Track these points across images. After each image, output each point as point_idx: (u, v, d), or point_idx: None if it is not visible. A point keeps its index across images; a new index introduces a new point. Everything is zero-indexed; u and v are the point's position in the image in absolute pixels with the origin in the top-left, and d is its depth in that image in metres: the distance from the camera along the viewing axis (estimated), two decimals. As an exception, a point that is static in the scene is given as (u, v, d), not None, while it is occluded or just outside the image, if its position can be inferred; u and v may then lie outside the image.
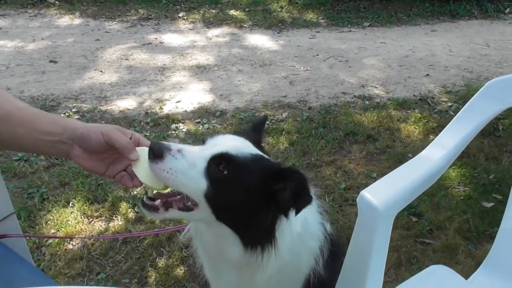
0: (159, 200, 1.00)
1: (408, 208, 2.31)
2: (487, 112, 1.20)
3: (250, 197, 1.02)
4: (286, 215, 1.03)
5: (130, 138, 0.98)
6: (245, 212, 1.03)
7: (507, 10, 6.14)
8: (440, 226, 2.23)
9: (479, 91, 1.21)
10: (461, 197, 2.44)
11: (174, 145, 0.98)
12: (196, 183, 0.98)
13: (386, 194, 1.01)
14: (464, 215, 2.29)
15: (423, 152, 1.18)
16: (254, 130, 1.20)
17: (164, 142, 0.98)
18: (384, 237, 1.03)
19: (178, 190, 1.00)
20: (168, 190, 1.03)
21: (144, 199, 1.02)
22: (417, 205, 2.37)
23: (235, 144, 1.04)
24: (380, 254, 1.03)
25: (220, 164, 0.99)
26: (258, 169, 1.02)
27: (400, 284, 1.16)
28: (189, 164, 0.97)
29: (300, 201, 0.99)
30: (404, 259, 2.04)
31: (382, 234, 1.02)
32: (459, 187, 2.54)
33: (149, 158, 0.95)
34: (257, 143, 1.14)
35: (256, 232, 1.04)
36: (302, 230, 1.14)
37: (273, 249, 1.05)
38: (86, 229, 2.25)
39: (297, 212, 1.00)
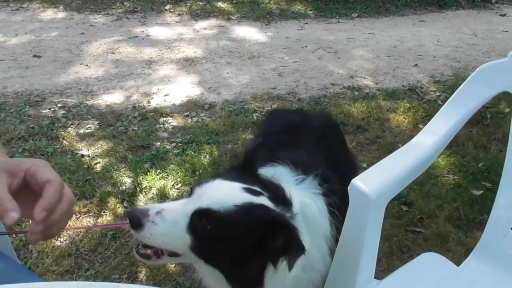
0: (150, 250, 1.06)
1: (399, 197, 2.32)
2: (478, 97, 1.19)
3: (236, 248, 1.01)
4: (275, 265, 1.00)
5: (25, 177, 0.75)
6: (232, 259, 1.02)
7: (494, 0, 6.17)
8: (431, 215, 2.24)
9: (469, 77, 1.20)
10: (451, 186, 2.45)
11: (152, 209, 0.99)
12: (180, 240, 1.00)
13: (377, 181, 1.00)
14: (454, 203, 2.30)
15: (414, 139, 1.17)
16: (247, 162, 1.14)
17: (141, 208, 1.00)
18: (376, 225, 1.02)
19: (165, 249, 1.04)
20: None
21: (139, 247, 1.07)
22: (407, 194, 2.37)
23: (220, 195, 1.01)
24: (372, 242, 1.02)
25: (201, 220, 0.99)
26: (243, 222, 0.99)
27: (392, 272, 1.15)
28: (170, 224, 0.99)
29: (291, 253, 0.97)
30: (395, 248, 2.04)
31: (374, 222, 1.00)
32: (448, 176, 2.55)
33: (130, 226, 0.98)
34: (252, 178, 1.10)
35: (243, 278, 1.03)
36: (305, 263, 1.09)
37: None
38: (73, 225, 2.21)
39: (290, 267, 0.98)
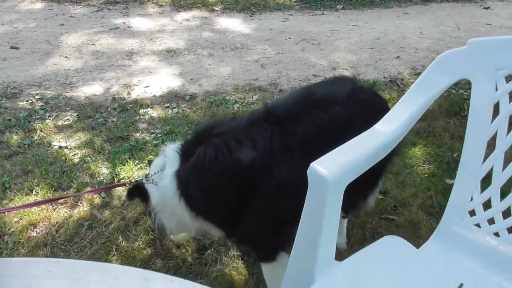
0: None
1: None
2: (438, 84, 1.22)
3: None
4: None
5: None
6: None
7: (477, -7, 6.22)
8: (404, 203, 2.27)
9: (430, 65, 1.23)
10: (426, 175, 2.49)
11: None
12: None
13: (335, 165, 1.01)
14: (428, 192, 2.34)
15: (376, 125, 1.19)
16: None
17: None
18: (335, 207, 1.04)
19: None
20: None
21: None
22: (383, 183, 2.40)
23: None
24: (331, 224, 1.04)
25: None
26: None
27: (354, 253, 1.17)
28: None
29: None
30: (368, 235, 2.07)
31: (332, 205, 1.02)
32: (424, 165, 2.59)
33: None
34: None
35: None
36: None
37: None
38: (50, 216, 2.20)
39: None
